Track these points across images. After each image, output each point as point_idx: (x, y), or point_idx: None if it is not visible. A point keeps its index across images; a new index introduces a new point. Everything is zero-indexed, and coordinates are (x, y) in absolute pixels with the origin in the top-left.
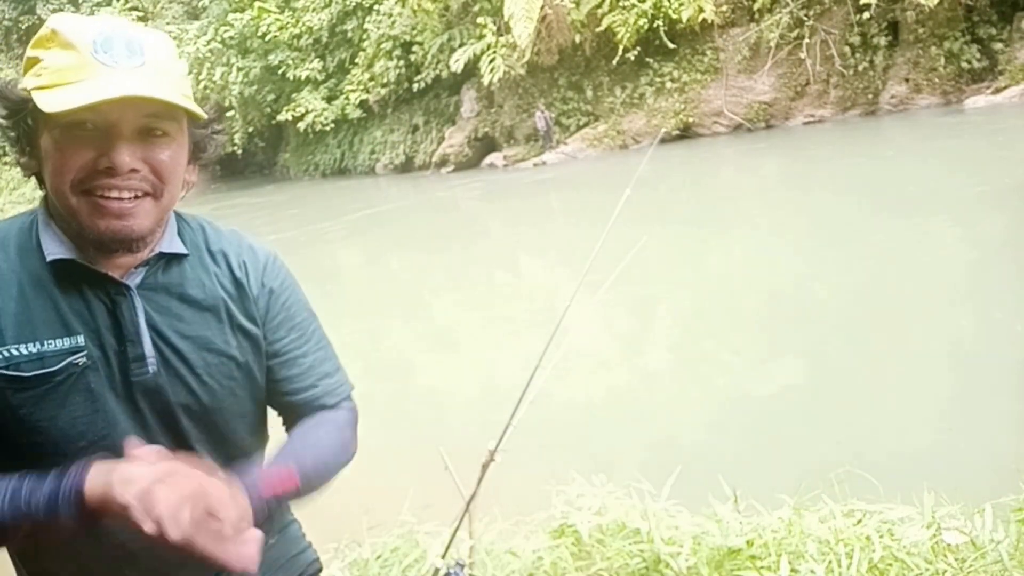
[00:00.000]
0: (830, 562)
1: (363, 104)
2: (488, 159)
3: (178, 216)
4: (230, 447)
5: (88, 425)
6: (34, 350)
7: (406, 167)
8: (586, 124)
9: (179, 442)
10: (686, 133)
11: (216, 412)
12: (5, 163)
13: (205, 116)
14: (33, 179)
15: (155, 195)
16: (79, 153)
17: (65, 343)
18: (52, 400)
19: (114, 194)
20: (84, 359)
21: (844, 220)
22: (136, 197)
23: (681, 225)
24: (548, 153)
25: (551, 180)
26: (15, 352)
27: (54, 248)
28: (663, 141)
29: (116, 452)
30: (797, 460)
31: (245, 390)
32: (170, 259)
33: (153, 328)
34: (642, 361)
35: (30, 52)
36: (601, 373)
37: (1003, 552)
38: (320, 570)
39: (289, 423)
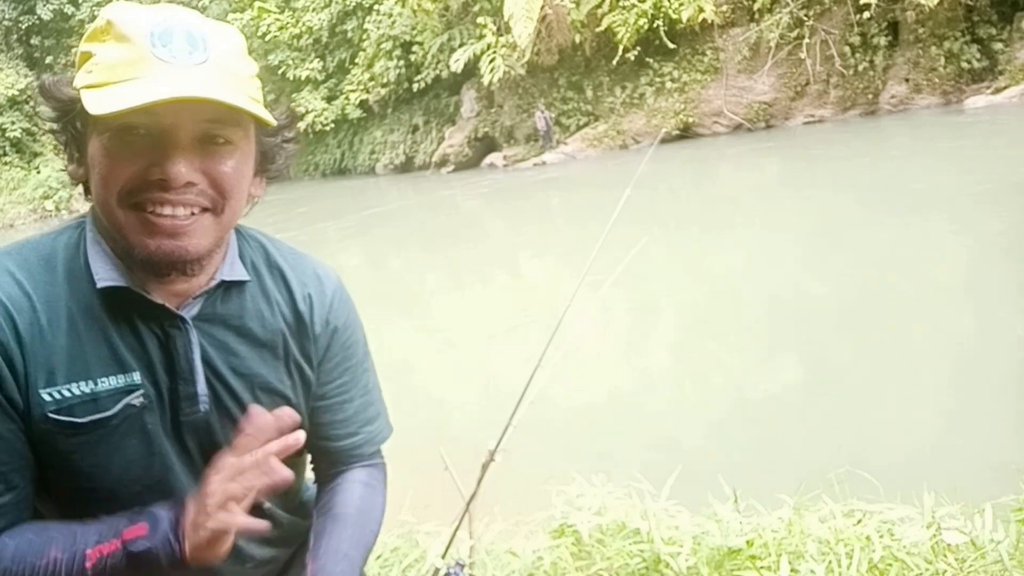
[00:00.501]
0: (830, 562)
1: (363, 104)
2: (488, 159)
3: (237, 232)
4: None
5: (144, 469)
6: (87, 390)
7: (406, 167)
8: (586, 124)
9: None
10: (686, 133)
11: None
12: (5, 163)
13: (274, 123)
14: (33, 178)
15: (215, 211)
16: (128, 162)
17: (120, 381)
18: (107, 445)
19: (167, 210)
20: (141, 399)
21: (844, 220)
22: (193, 214)
23: (681, 225)
24: (548, 153)
25: (551, 180)
26: (67, 393)
27: (105, 273)
28: (663, 141)
29: (168, 495)
30: (797, 460)
31: None
32: (229, 287)
33: (207, 364)
34: (642, 361)
35: (83, 46)
36: (601, 373)
37: (1003, 552)
38: None
39: (321, 467)
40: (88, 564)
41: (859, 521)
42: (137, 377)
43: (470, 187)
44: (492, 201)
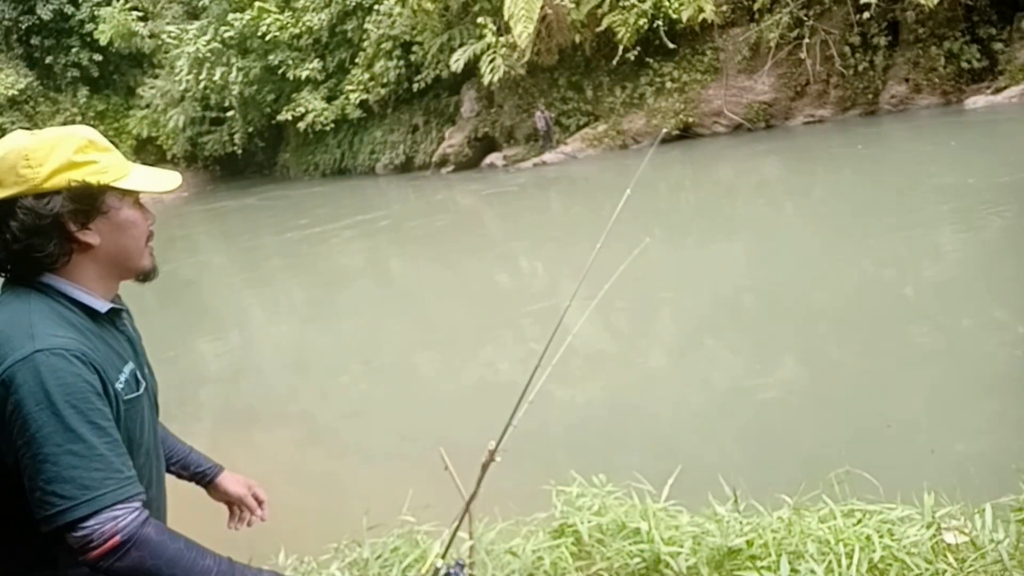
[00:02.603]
0: (830, 562)
1: (363, 104)
2: (488, 159)
3: None
4: None
5: (151, 429)
6: (124, 379)
7: (406, 167)
8: (586, 124)
9: (155, 435)
10: (686, 133)
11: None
12: None
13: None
14: None
15: None
16: (144, 218)
17: (129, 370)
18: (140, 413)
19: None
20: (142, 379)
21: (844, 220)
22: None
23: (681, 225)
24: (548, 153)
25: (551, 180)
26: (121, 383)
27: (99, 303)
28: (663, 141)
29: (158, 450)
30: (797, 460)
31: None
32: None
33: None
34: (642, 361)
35: (78, 156)
36: (601, 373)
37: (1003, 552)
38: None
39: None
40: None
41: (859, 521)
42: (131, 365)
43: (470, 187)
44: (492, 201)
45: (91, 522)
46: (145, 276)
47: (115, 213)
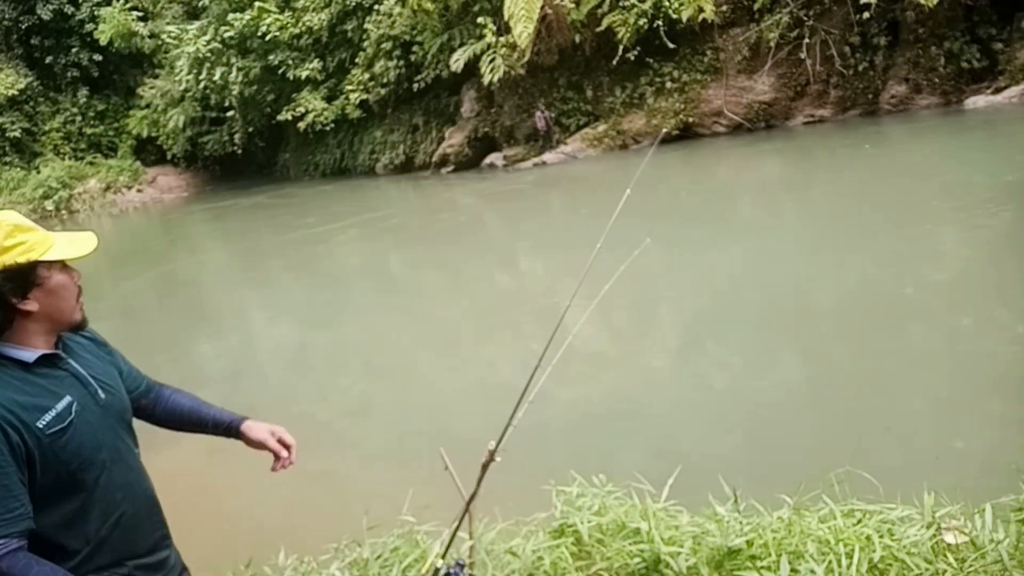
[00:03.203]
0: (830, 562)
1: (363, 104)
2: (488, 159)
3: None
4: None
5: (98, 444)
6: (53, 414)
7: (406, 167)
8: (586, 124)
9: (131, 438)
10: (686, 133)
11: (128, 410)
12: (5, 163)
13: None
14: (32, 178)
15: None
16: (72, 280)
17: (63, 403)
18: (77, 436)
19: (80, 299)
20: (76, 407)
21: (844, 220)
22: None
23: (681, 225)
24: (548, 153)
25: (551, 180)
26: (47, 419)
27: (28, 354)
28: (663, 141)
29: (111, 452)
30: (797, 460)
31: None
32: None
33: (86, 369)
34: (642, 361)
35: (8, 241)
36: (601, 373)
37: (1003, 552)
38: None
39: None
40: None
41: (859, 521)
42: (68, 398)
43: (470, 187)
44: (492, 201)
45: None
46: (77, 327)
47: (47, 281)
